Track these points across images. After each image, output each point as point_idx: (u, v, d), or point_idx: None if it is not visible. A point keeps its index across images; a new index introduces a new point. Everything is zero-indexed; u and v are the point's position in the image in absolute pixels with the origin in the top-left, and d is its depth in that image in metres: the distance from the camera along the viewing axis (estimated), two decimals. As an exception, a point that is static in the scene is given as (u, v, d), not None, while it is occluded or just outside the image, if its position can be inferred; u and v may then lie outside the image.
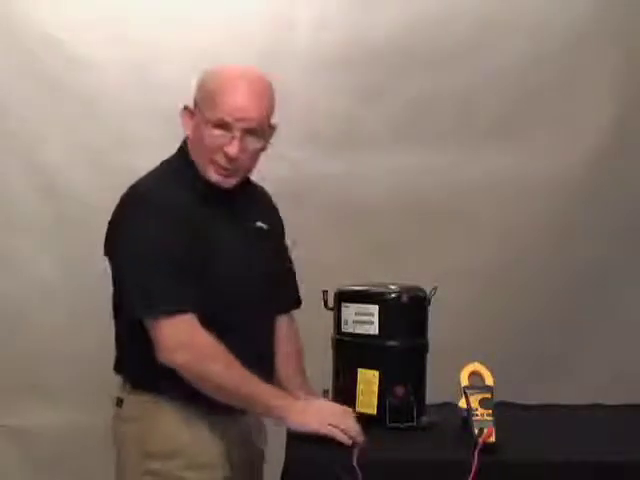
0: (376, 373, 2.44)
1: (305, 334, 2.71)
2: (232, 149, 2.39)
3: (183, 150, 2.50)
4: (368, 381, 2.44)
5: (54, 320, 3.70)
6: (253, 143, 2.42)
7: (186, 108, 2.47)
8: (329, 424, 2.25)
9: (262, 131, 2.43)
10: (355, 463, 2.13)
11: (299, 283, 2.71)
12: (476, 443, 2.17)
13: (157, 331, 2.33)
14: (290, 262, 2.71)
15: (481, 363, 2.38)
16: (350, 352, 2.50)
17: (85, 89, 3.69)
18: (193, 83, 2.48)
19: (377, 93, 3.81)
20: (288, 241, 2.70)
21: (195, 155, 2.46)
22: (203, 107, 2.41)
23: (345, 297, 2.51)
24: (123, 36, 3.68)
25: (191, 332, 2.33)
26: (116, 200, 2.45)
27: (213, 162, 2.42)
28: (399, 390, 2.43)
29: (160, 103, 3.59)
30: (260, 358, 2.46)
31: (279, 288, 2.61)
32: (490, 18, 3.81)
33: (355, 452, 2.16)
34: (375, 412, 2.43)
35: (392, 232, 3.79)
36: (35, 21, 3.64)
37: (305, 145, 3.73)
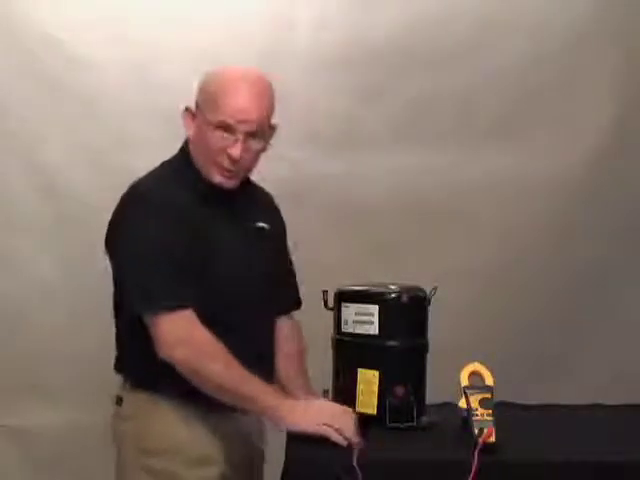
0: (376, 373, 2.44)
1: (305, 334, 2.72)
2: (235, 151, 2.39)
3: (184, 150, 2.50)
4: (368, 381, 2.44)
5: (54, 320, 3.70)
6: (255, 144, 2.43)
7: (187, 109, 2.47)
8: (323, 424, 2.25)
9: (263, 132, 2.44)
10: (355, 463, 2.13)
11: (299, 283, 2.71)
12: (476, 443, 2.17)
13: (156, 327, 2.33)
14: (290, 263, 2.71)
15: (481, 363, 2.38)
16: (350, 352, 2.50)
17: (85, 89, 3.69)
18: (193, 83, 2.48)
19: (377, 93, 3.81)
20: (289, 243, 2.70)
21: (197, 156, 2.46)
22: (205, 109, 2.41)
23: (345, 297, 2.51)
24: (123, 36, 3.68)
25: (190, 328, 2.34)
26: (116, 200, 2.46)
27: (216, 164, 2.42)
28: (399, 390, 2.43)
29: (160, 103, 3.59)
30: (260, 358, 2.46)
31: (279, 288, 2.61)
32: (490, 18, 3.81)
33: (355, 452, 2.16)
34: (375, 412, 2.43)
35: (392, 232, 3.79)
36: (35, 21, 3.64)
37: (305, 145, 3.73)
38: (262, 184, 2.66)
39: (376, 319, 2.45)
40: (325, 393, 2.51)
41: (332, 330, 2.54)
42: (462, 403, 2.31)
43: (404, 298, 2.48)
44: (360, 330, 2.47)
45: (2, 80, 3.66)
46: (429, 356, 2.53)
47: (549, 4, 3.84)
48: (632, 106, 3.83)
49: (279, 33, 3.75)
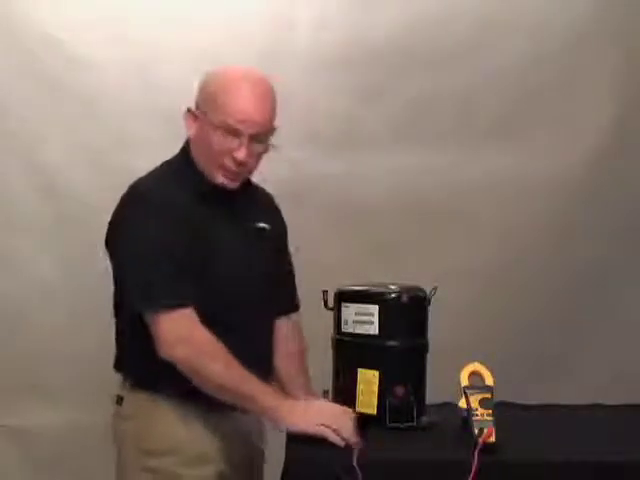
0: (376, 373, 2.44)
1: (305, 334, 2.72)
2: (241, 154, 2.40)
3: (185, 151, 2.50)
4: (368, 381, 2.44)
5: (54, 320, 3.70)
6: (259, 147, 2.44)
7: (189, 110, 2.46)
8: (321, 424, 2.25)
9: (267, 134, 2.44)
10: (355, 463, 2.13)
11: (299, 283, 2.71)
12: (476, 443, 2.17)
13: (157, 325, 2.33)
14: (290, 265, 2.71)
15: (481, 363, 2.38)
16: (350, 352, 2.50)
17: (85, 89, 3.69)
18: (193, 83, 2.48)
19: (377, 93, 3.81)
20: (291, 248, 2.70)
21: (199, 157, 2.46)
22: (209, 112, 2.41)
23: (345, 297, 2.51)
24: (123, 36, 3.67)
25: (191, 327, 2.34)
26: (116, 200, 2.46)
27: (221, 166, 2.42)
28: (399, 390, 2.43)
29: (160, 103, 3.60)
30: (259, 358, 2.47)
31: (279, 289, 2.61)
32: (490, 18, 3.81)
33: (355, 452, 2.16)
34: (375, 412, 2.43)
35: (392, 232, 3.79)
36: (35, 21, 3.64)
37: (305, 145, 3.72)
38: (262, 184, 2.66)
39: (376, 319, 2.45)
40: (325, 393, 2.51)
41: (332, 330, 2.54)
42: (462, 403, 2.31)
43: (404, 298, 2.48)
44: (360, 330, 2.47)
45: (2, 80, 3.66)
46: (429, 356, 2.53)
47: (549, 4, 3.84)
48: (632, 106, 3.83)
49: (279, 33, 3.75)
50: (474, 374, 2.36)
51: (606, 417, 2.66)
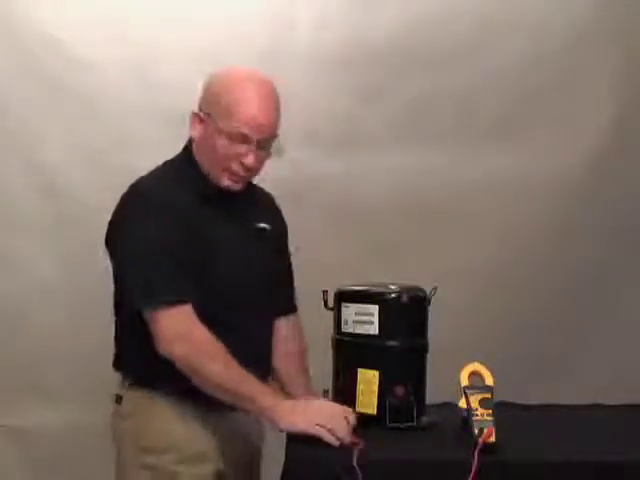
0: (376, 373, 2.44)
1: (305, 334, 2.72)
2: (250, 160, 2.41)
3: (187, 151, 2.50)
4: (368, 381, 2.44)
5: (54, 320, 3.70)
6: (266, 150, 2.45)
7: (196, 114, 2.46)
8: (317, 424, 2.25)
9: (273, 137, 2.45)
10: (355, 463, 2.13)
11: (299, 283, 2.71)
12: (476, 443, 2.17)
13: (156, 322, 2.34)
14: (290, 266, 2.71)
15: (481, 363, 2.38)
16: (350, 352, 2.50)
17: (85, 89, 3.69)
18: (193, 83, 2.48)
19: (377, 93, 3.81)
20: (291, 248, 2.70)
21: (203, 159, 2.46)
22: (216, 116, 2.40)
23: (345, 297, 2.51)
24: (123, 36, 3.67)
25: (189, 325, 2.34)
26: (116, 200, 2.46)
27: (228, 170, 2.43)
28: (399, 390, 2.43)
29: (160, 103, 3.60)
30: (258, 358, 2.47)
31: (279, 289, 2.61)
32: (490, 18, 3.81)
33: (355, 452, 2.16)
34: (375, 412, 2.43)
35: (392, 232, 3.79)
36: (35, 21, 3.64)
37: (305, 145, 3.72)
38: (262, 184, 2.66)
39: (376, 319, 2.45)
40: (325, 393, 2.51)
41: (332, 330, 2.54)
42: (462, 403, 2.31)
43: (404, 298, 2.48)
44: (360, 330, 2.47)
45: (2, 80, 3.66)
46: (429, 356, 2.53)
47: (549, 4, 3.84)
48: (632, 106, 3.83)
49: (279, 33, 3.75)
50: (474, 374, 2.35)
51: (606, 417, 2.66)
